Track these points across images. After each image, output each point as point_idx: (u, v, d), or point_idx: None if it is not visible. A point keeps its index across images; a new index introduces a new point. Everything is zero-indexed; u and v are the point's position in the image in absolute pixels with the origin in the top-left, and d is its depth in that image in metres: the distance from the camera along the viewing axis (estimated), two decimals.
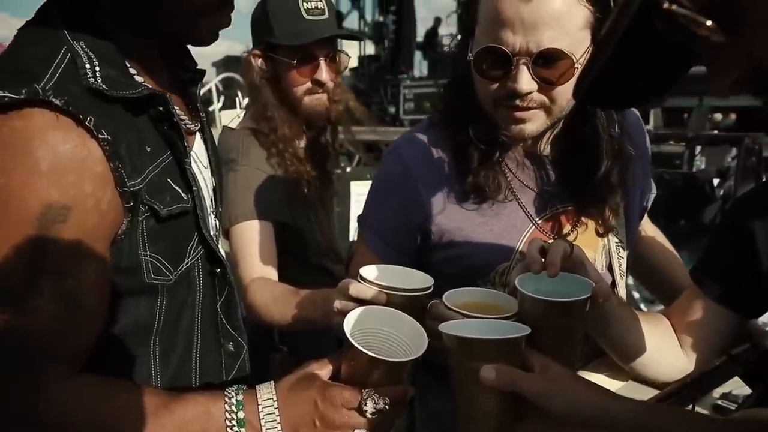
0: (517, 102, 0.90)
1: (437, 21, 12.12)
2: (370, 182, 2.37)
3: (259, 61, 1.41)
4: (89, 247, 0.70)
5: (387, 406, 0.71)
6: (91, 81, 0.71)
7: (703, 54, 0.44)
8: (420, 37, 11.92)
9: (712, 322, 0.95)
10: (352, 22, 13.11)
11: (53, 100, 0.66)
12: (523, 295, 0.76)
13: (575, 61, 0.88)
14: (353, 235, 2.15)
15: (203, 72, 0.97)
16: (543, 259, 0.80)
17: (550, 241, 0.84)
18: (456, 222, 1.03)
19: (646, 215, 1.26)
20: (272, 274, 1.30)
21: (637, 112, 1.20)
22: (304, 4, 1.34)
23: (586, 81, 0.51)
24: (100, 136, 0.69)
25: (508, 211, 1.02)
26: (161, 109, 0.78)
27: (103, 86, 0.71)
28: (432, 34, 11.93)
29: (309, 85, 1.39)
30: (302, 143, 1.49)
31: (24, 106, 0.66)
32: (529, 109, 0.92)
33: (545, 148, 1.04)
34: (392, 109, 9.84)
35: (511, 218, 1.02)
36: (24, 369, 0.68)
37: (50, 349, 0.69)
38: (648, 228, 1.30)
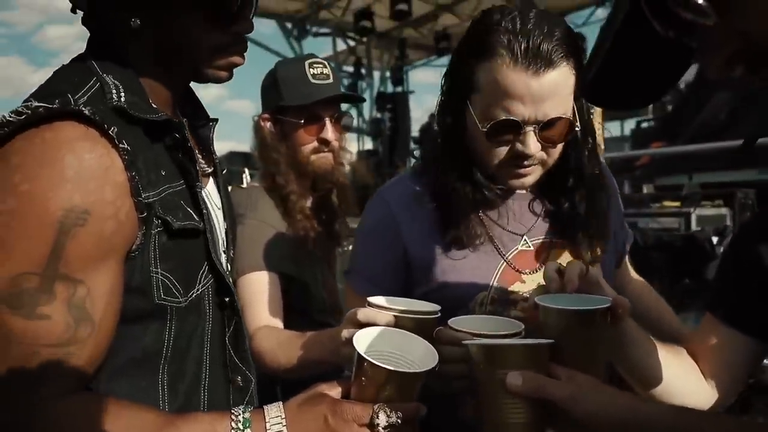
0: (525, 162, 1.00)
1: (432, 117, 12.67)
2: None
3: (268, 124, 1.49)
4: (104, 256, 0.72)
5: (399, 421, 0.70)
6: (115, 102, 0.77)
7: (695, 40, 0.48)
8: (415, 132, 12.40)
9: (730, 350, 0.95)
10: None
11: (83, 109, 0.72)
12: (546, 309, 0.77)
13: (571, 121, 0.99)
14: None
15: (216, 120, 1.04)
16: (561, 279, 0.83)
17: (562, 262, 0.87)
18: (437, 257, 1.08)
19: (629, 263, 1.32)
20: (278, 324, 1.30)
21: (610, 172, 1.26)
22: (311, 69, 1.44)
23: (588, 78, 0.56)
24: (121, 145, 0.74)
25: (482, 247, 1.08)
26: (177, 135, 0.83)
27: (126, 106, 0.77)
28: (427, 129, 12.43)
29: (315, 144, 1.46)
30: (309, 202, 1.54)
31: (55, 119, 0.71)
32: (532, 165, 1.01)
33: (527, 193, 1.12)
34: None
35: (486, 253, 1.08)
36: (26, 380, 0.67)
37: (55, 360, 0.68)
38: (635, 276, 1.33)
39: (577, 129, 1.01)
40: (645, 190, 4.38)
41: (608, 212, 1.12)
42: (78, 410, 0.70)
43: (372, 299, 0.89)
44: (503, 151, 1.00)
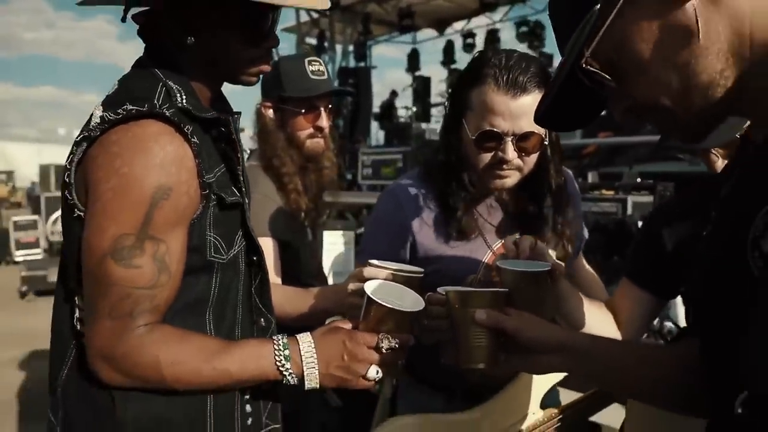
0: (504, 166, 1.26)
1: (393, 94, 12.82)
2: (340, 232, 2.62)
3: (270, 111, 1.70)
4: (178, 223, 0.94)
5: (396, 345, 0.96)
6: (180, 105, 0.97)
7: (605, 94, 0.74)
8: (376, 108, 12.55)
9: (636, 303, 1.28)
10: None
11: (165, 112, 0.93)
12: (504, 270, 1.05)
13: (541, 136, 1.26)
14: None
15: (239, 113, 1.25)
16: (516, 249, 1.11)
17: (518, 236, 1.16)
18: (436, 244, 1.35)
19: (583, 257, 1.61)
20: (278, 281, 1.54)
21: (574, 181, 1.55)
22: (310, 66, 1.67)
23: (542, 110, 0.81)
24: (192, 140, 0.95)
25: (475, 240, 1.35)
26: (223, 129, 1.04)
27: (189, 107, 0.97)
28: (388, 106, 12.59)
29: (311, 130, 1.69)
30: (300, 180, 1.77)
31: (141, 118, 0.92)
32: (510, 169, 1.27)
33: (507, 196, 1.39)
34: (350, 175, 10.25)
35: (477, 245, 1.36)
36: (122, 313, 0.89)
37: (144, 299, 0.91)
38: (586, 264, 1.63)
39: (545, 144, 1.29)
40: (590, 178, 4.79)
41: (572, 218, 1.40)
42: (161, 335, 0.92)
43: (373, 261, 1.15)
44: (488, 156, 1.27)
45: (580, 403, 1.43)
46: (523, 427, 1.36)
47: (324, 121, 1.70)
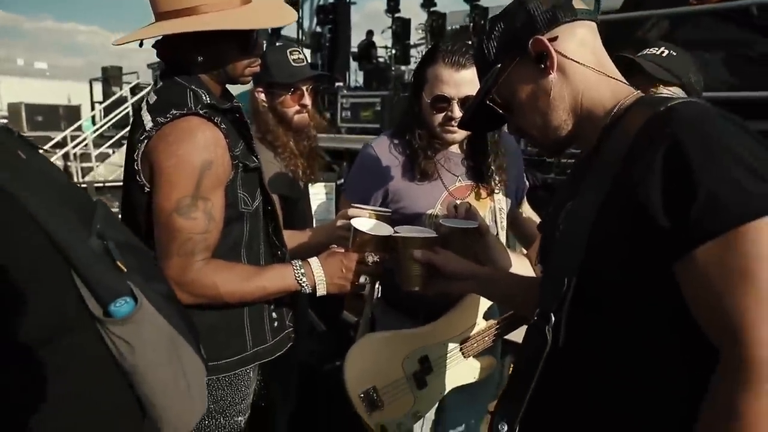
0: (453, 123, 1.66)
1: (370, 34, 12.82)
2: (322, 184, 3.03)
3: (262, 95, 2.07)
4: (219, 185, 1.32)
5: (378, 259, 1.39)
6: (206, 101, 1.33)
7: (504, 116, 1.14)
8: (354, 46, 12.56)
9: None
10: (291, 29, 13.57)
11: (200, 111, 1.29)
12: (443, 225, 1.46)
13: None
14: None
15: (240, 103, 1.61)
16: (455, 210, 1.52)
17: (458, 201, 1.57)
18: (404, 187, 1.76)
19: (526, 203, 2.03)
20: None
21: (515, 140, 1.96)
22: (291, 56, 2.06)
23: (464, 119, 1.22)
24: (222, 127, 1.32)
25: (433, 182, 1.76)
26: (237, 115, 1.43)
27: (213, 102, 1.34)
28: (366, 46, 12.61)
29: (297, 107, 2.08)
30: (293, 146, 2.15)
31: (183, 117, 1.27)
32: (457, 125, 1.65)
33: (459, 148, 1.79)
34: (329, 114, 10.45)
35: (435, 186, 1.76)
36: (187, 252, 1.28)
37: (201, 241, 1.29)
38: (525, 208, 2.06)
39: None
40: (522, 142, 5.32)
41: (507, 169, 1.81)
42: (215, 266, 1.31)
43: (354, 204, 1.57)
44: (440, 116, 1.68)
45: (513, 316, 1.88)
46: (470, 334, 1.82)
47: (307, 99, 2.09)
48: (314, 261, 1.41)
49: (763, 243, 0.73)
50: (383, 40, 12.80)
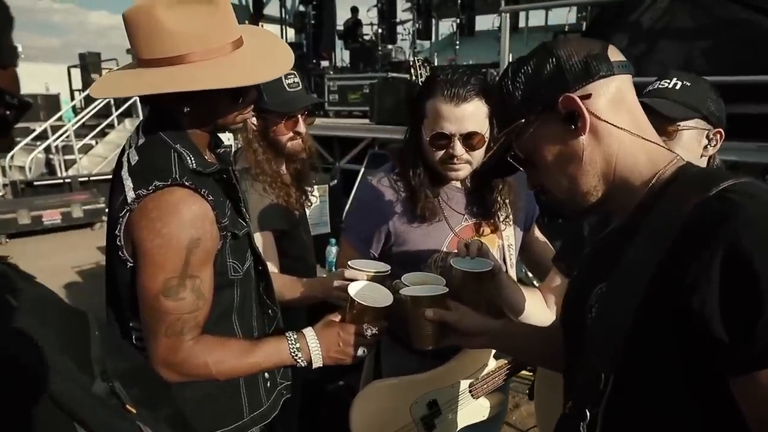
0: (455, 160, 1.55)
1: (355, 10, 12.50)
2: (315, 187, 2.87)
3: (253, 119, 1.92)
4: (207, 260, 1.22)
5: (377, 332, 1.29)
6: (192, 166, 1.20)
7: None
8: (340, 23, 12.25)
9: (561, 289, 1.60)
10: (273, 9, 13.23)
11: (185, 182, 1.17)
12: (454, 269, 1.36)
13: (483, 135, 1.54)
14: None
15: (230, 146, 1.49)
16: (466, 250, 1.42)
17: (469, 240, 1.47)
18: (406, 227, 1.64)
19: (537, 229, 1.92)
20: (275, 268, 1.83)
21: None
22: (286, 80, 1.91)
23: (485, 169, 1.10)
24: (209, 198, 1.20)
25: (438, 223, 1.65)
26: (225, 176, 1.31)
27: (199, 168, 1.21)
28: (352, 25, 12.32)
29: (291, 134, 1.94)
30: (285, 175, 2.02)
31: (167, 187, 1.15)
32: (460, 162, 1.56)
33: (464, 186, 1.68)
34: (314, 95, 10.15)
35: (440, 227, 1.65)
36: (176, 332, 1.18)
37: (190, 320, 1.19)
38: (539, 235, 1.95)
39: (488, 141, 1.56)
40: None
41: (514, 200, 1.70)
42: (206, 344, 1.22)
43: (351, 263, 1.46)
44: (441, 153, 1.56)
45: None
46: (481, 375, 1.74)
47: (301, 127, 1.95)
48: (309, 333, 1.31)
49: None
50: (368, 18, 12.50)
